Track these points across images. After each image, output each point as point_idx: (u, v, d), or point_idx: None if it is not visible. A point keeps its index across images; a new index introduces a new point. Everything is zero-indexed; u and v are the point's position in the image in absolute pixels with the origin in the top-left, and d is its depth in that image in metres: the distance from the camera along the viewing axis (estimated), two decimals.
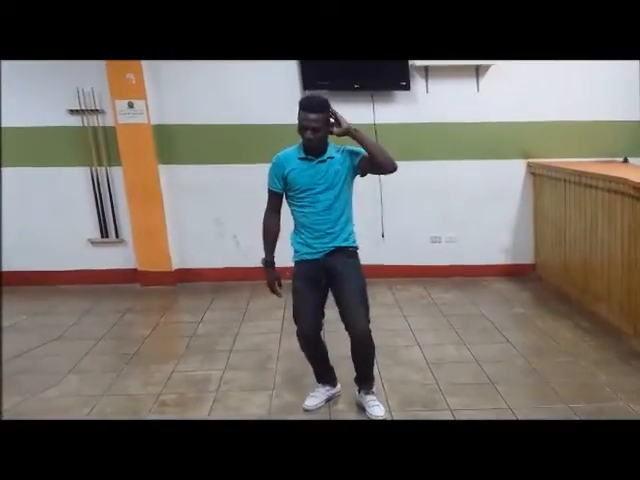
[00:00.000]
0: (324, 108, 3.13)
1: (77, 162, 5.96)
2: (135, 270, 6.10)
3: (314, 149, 3.18)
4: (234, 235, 6.16)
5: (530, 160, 6.00)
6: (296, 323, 3.35)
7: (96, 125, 5.88)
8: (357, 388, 3.54)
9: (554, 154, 5.92)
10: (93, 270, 6.11)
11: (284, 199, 3.33)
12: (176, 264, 6.17)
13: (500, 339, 4.48)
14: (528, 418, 3.29)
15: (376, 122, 5.82)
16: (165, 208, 6.04)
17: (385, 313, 5.06)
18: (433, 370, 3.98)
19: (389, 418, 3.38)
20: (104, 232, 6.13)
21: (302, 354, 3.51)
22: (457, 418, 3.36)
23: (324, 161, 3.20)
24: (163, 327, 4.95)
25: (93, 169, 5.97)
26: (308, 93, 5.62)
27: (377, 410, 3.41)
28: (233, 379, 3.90)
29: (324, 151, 3.21)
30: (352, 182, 3.38)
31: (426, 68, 5.76)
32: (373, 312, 5.02)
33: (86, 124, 5.85)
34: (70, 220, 6.09)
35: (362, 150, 3.24)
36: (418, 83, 5.84)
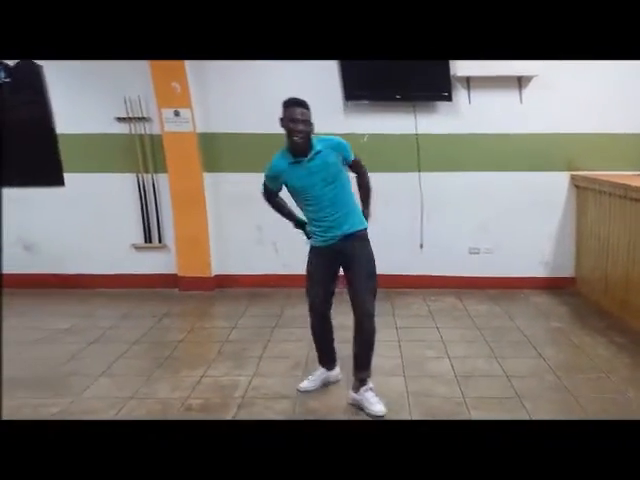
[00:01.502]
0: (308, 106, 3.38)
1: (124, 169, 6.13)
2: (175, 275, 6.23)
3: (301, 148, 3.37)
4: (273, 242, 6.22)
5: (574, 172, 5.90)
6: (308, 296, 3.66)
7: (143, 133, 6.04)
8: (353, 387, 3.66)
9: (598, 166, 5.80)
10: (134, 274, 6.26)
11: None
12: (215, 270, 6.27)
13: (532, 353, 4.41)
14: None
15: (418, 132, 5.84)
16: (208, 215, 6.16)
17: (418, 324, 5.05)
18: (460, 383, 3.94)
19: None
20: (148, 237, 6.28)
21: None
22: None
23: (313, 158, 3.39)
24: (197, 332, 5.03)
25: (139, 176, 6.13)
26: (350, 104, 5.69)
27: (379, 407, 3.51)
28: (260, 385, 3.95)
29: (310, 148, 3.40)
30: (344, 169, 3.56)
31: (468, 79, 5.73)
32: (405, 322, 5.12)
33: (133, 132, 6.02)
34: (115, 225, 6.27)
35: (343, 148, 3.50)
36: (460, 94, 5.82)
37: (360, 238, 3.55)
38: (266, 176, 3.57)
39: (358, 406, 3.59)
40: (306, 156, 3.39)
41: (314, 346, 3.90)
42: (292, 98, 3.37)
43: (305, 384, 3.87)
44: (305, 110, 3.33)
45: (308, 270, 3.66)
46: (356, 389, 3.63)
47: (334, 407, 3.65)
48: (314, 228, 3.58)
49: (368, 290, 3.52)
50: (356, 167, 3.63)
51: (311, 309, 3.69)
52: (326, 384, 3.91)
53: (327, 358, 3.91)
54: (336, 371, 3.96)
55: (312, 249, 3.66)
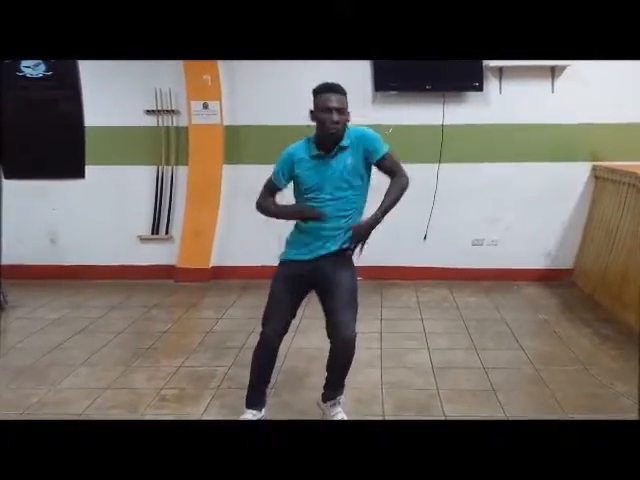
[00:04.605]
0: (344, 90, 2.94)
1: (147, 161, 6.23)
2: (174, 267, 6.25)
3: (335, 140, 2.91)
4: (279, 236, 6.18)
5: (596, 163, 5.78)
6: (263, 325, 3.11)
7: (169, 125, 6.12)
8: (322, 398, 3.29)
9: (625, 157, 5.64)
10: (134, 266, 6.30)
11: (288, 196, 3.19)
12: (214, 261, 6.30)
13: (514, 345, 4.36)
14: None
15: (444, 123, 5.81)
16: (221, 207, 6.21)
17: (403, 316, 5.04)
18: (436, 375, 3.91)
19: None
20: (155, 229, 6.34)
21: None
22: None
23: (336, 154, 2.93)
24: (183, 323, 5.08)
25: (160, 168, 6.21)
26: (380, 94, 5.66)
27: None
28: (236, 376, 3.93)
29: (339, 141, 2.94)
30: (367, 174, 3.03)
31: (500, 69, 5.68)
32: (391, 314, 5.08)
33: (160, 124, 6.10)
34: (126, 217, 6.37)
35: (375, 142, 2.97)
36: (491, 84, 5.77)
37: (347, 254, 3.03)
38: (279, 165, 3.07)
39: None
40: (331, 150, 2.93)
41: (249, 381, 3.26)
42: (324, 83, 2.94)
43: None
44: (341, 96, 2.89)
45: (271, 296, 3.10)
46: (324, 400, 3.28)
47: (308, 399, 3.60)
48: (299, 236, 3.07)
49: (351, 313, 3.01)
50: (389, 165, 2.98)
51: (263, 342, 3.10)
52: None
53: (262, 397, 3.26)
54: (263, 412, 3.25)
55: (284, 264, 3.12)
